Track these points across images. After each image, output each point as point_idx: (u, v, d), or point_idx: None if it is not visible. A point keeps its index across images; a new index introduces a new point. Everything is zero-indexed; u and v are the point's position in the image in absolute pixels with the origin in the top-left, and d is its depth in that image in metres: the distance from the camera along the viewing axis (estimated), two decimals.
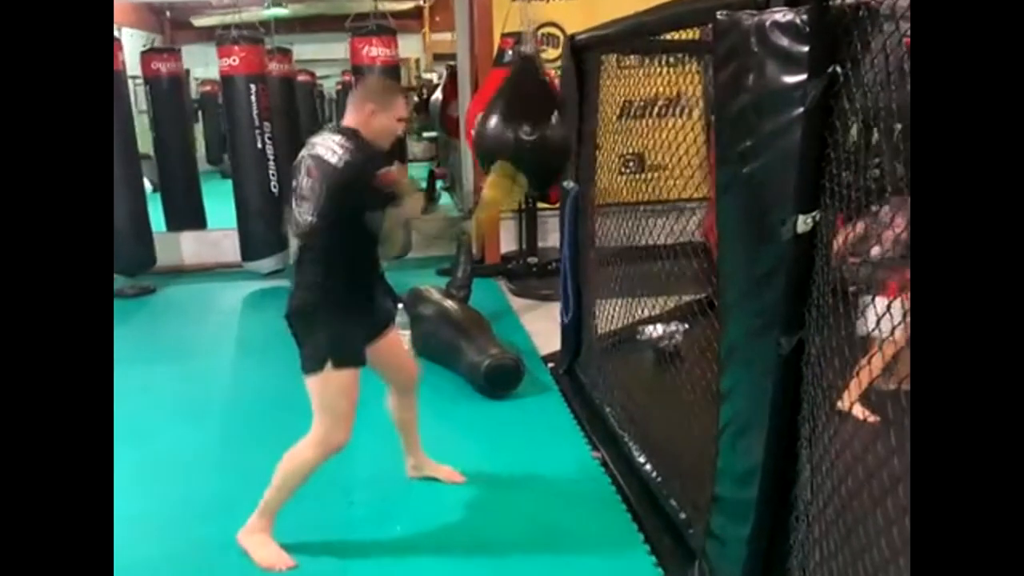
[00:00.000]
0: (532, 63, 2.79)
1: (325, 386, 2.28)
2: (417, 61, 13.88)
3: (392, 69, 5.67)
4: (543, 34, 5.89)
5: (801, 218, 1.63)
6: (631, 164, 3.54)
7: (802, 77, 1.59)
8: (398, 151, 2.47)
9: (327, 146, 2.22)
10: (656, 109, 3.18)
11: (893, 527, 1.59)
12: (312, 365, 2.27)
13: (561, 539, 2.49)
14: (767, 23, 1.64)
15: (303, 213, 2.22)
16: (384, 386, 2.63)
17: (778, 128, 1.65)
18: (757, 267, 1.75)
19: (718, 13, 1.79)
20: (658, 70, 3.02)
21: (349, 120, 2.32)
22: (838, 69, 1.56)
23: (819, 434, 1.72)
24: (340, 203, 2.19)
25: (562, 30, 5.62)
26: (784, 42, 1.62)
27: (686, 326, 3.86)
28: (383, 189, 2.19)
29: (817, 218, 1.63)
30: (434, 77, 12.51)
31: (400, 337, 2.69)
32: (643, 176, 3.24)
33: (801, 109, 1.60)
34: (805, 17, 1.58)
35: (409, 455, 2.83)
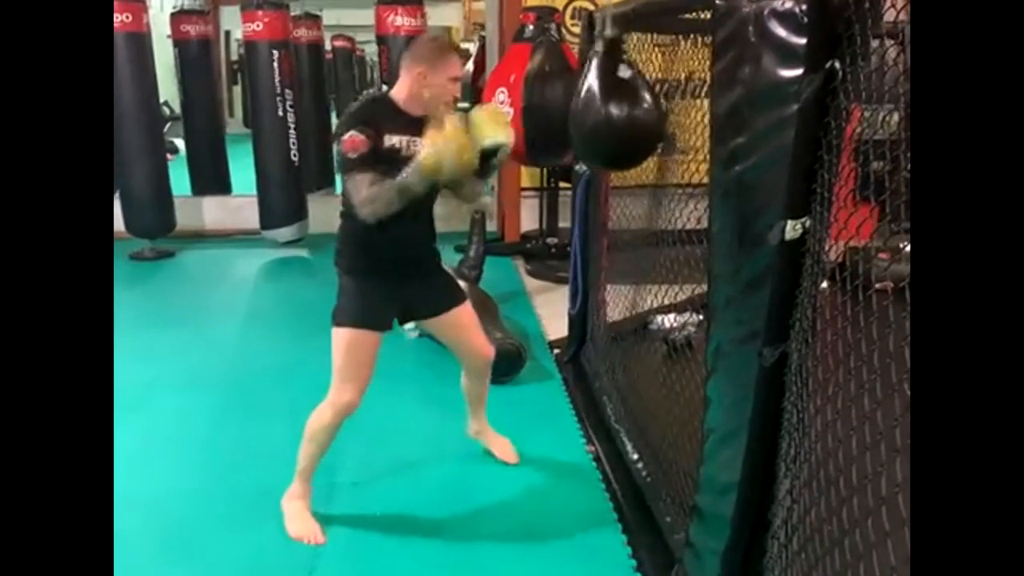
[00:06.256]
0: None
1: (336, 342, 2.29)
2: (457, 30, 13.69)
3: None
4: (574, 8, 5.76)
5: (790, 224, 1.53)
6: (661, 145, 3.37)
7: (798, 72, 1.48)
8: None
9: None
10: (692, 89, 3.00)
11: (873, 551, 1.50)
12: (332, 319, 2.31)
13: (538, 533, 2.42)
14: (765, 11, 1.53)
15: None
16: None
17: (771, 126, 1.54)
18: (743, 272, 1.66)
19: None
20: (696, 51, 2.86)
21: (397, 85, 2.23)
22: (836, 65, 1.44)
23: (800, 452, 1.63)
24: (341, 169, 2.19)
25: (595, 4, 5.47)
26: (782, 33, 1.50)
27: (700, 317, 3.73)
28: (343, 155, 2.10)
29: (807, 225, 1.53)
30: (471, 47, 12.33)
31: (472, 319, 2.58)
32: (675, 158, 3.09)
33: (796, 106, 1.49)
34: (804, 7, 1.46)
35: (472, 421, 2.84)
